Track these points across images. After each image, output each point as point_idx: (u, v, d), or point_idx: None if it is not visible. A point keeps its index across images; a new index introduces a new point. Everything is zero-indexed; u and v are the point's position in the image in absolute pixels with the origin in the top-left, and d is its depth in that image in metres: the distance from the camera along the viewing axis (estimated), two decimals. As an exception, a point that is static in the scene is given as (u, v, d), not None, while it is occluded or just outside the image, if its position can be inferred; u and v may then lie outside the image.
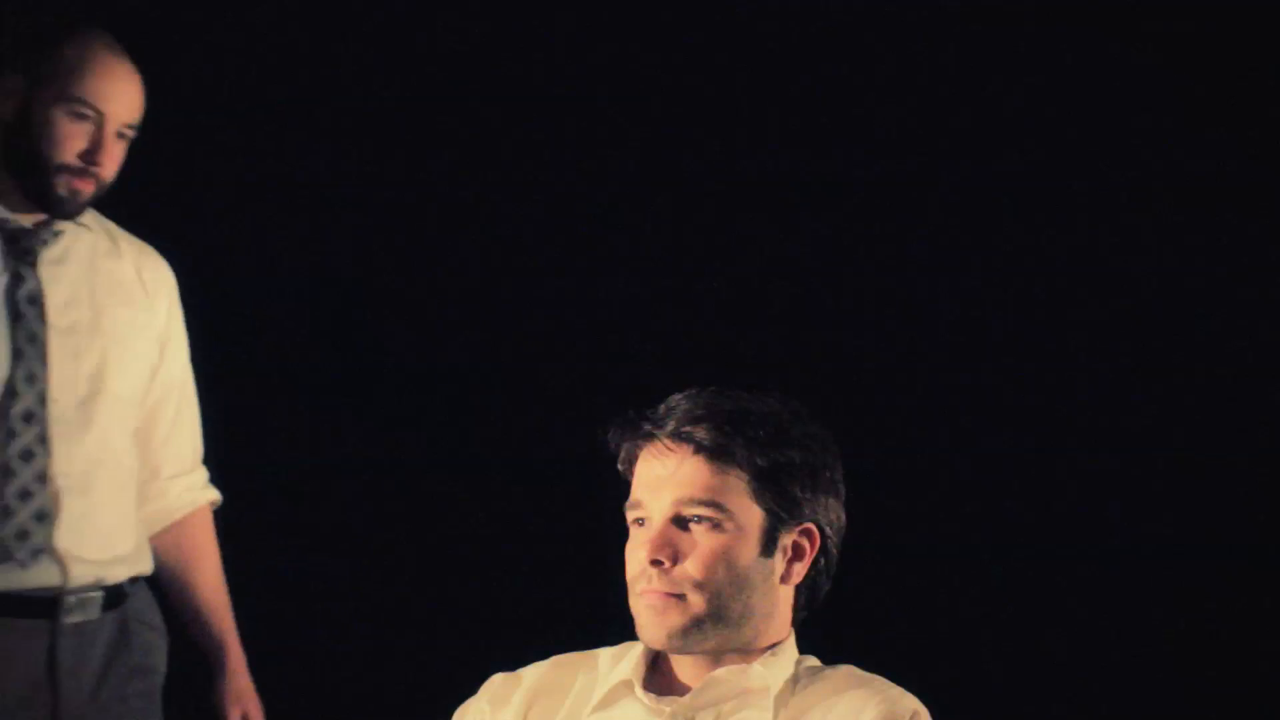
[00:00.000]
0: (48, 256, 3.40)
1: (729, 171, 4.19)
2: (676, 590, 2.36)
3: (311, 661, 4.12)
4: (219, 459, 4.10)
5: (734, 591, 2.37)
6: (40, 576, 3.35)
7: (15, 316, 3.37)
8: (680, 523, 2.37)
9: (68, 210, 3.39)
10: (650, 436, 2.39)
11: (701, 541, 2.36)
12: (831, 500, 2.42)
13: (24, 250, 3.39)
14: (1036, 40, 4.04)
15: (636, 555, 2.38)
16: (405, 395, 4.22)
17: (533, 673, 2.48)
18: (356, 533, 4.20)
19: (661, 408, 2.41)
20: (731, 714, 2.38)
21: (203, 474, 3.59)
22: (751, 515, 2.38)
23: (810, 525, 2.40)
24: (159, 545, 3.52)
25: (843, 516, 2.44)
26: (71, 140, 3.35)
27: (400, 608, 4.23)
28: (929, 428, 4.13)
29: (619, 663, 2.44)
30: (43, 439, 3.35)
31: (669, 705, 2.39)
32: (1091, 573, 4.06)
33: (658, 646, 2.39)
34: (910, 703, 2.35)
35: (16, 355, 3.36)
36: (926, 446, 4.13)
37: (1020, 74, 4.05)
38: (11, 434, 3.33)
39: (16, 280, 3.38)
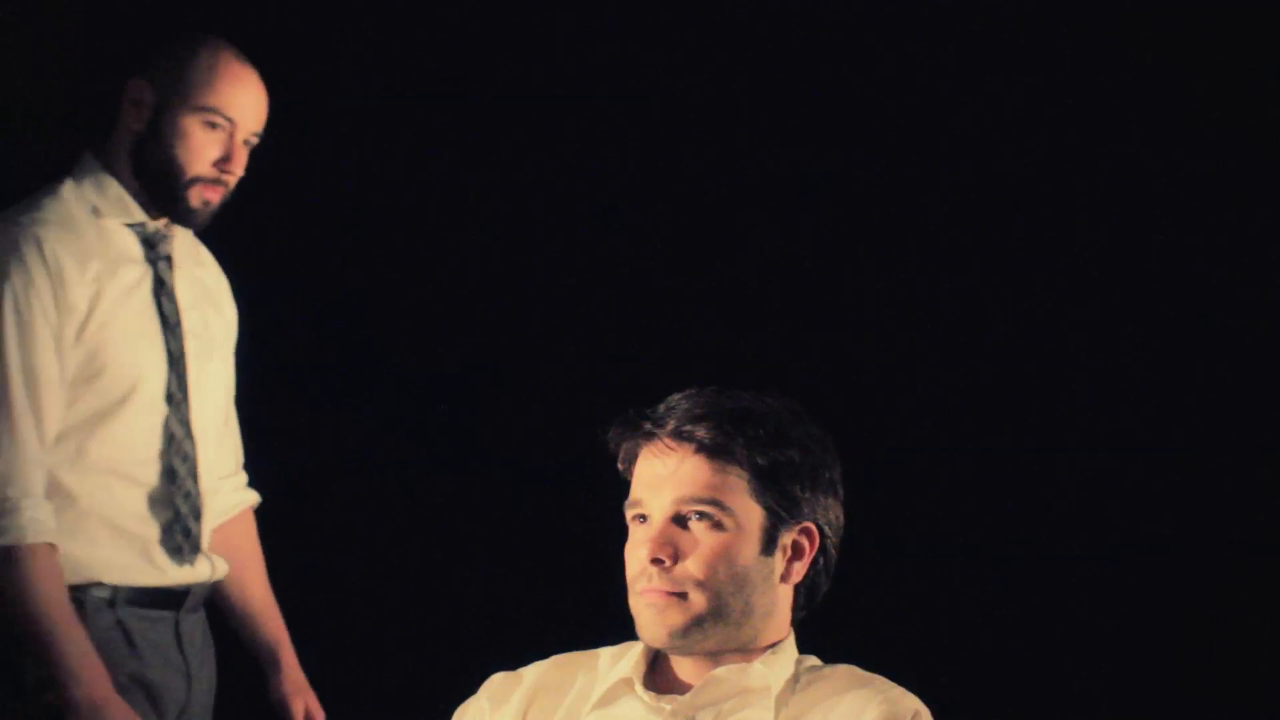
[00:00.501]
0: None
1: (729, 171, 4.20)
2: (677, 589, 2.36)
3: (312, 662, 4.12)
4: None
5: (734, 590, 2.37)
6: (198, 572, 3.42)
7: (164, 321, 3.40)
8: (680, 521, 2.38)
9: (197, 220, 3.41)
10: (650, 436, 2.40)
11: (702, 540, 2.37)
12: (831, 500, 2.43)
13: (160, 255, 3.41)
14: (1036, 40, 4.04)
15: (637, 554, 2.39)
16: (405, 395, 4.22)
17: (533, 671, 2.48)
18: (356, 533, 4.20)
19: (661, 407, 2.41)
20: (732, 713, 2.38)
21: (244, 476, 3.61)
22: (752, 514, 2.38)
23: (810, 524, 2.41)
24: (214, 546, 3.54)
25: (842, 516, 2.45)
26: (205, 150, 3.37)
27: (400, 608, 4.23)
28: (929, 428, 4.13)
29: (619, 661, 2.44)
30: (191, 440, 3.40)
31: (669, 704, 2.39)
32: (1091, 572, 4.06)
33: (658, 645, 2.39)
34: (911, 702, 2.36)
35: (171, 360, 3.38)
36: (926, 446, 4.13)
37: (1020, 74, 4.05)
38: (171, 437, 3.38)
39: (159, 285, 3.40)
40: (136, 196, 3.39)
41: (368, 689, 4.14)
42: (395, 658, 4.19)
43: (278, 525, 4.14)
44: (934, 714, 2.36)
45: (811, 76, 4.11)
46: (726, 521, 2.37)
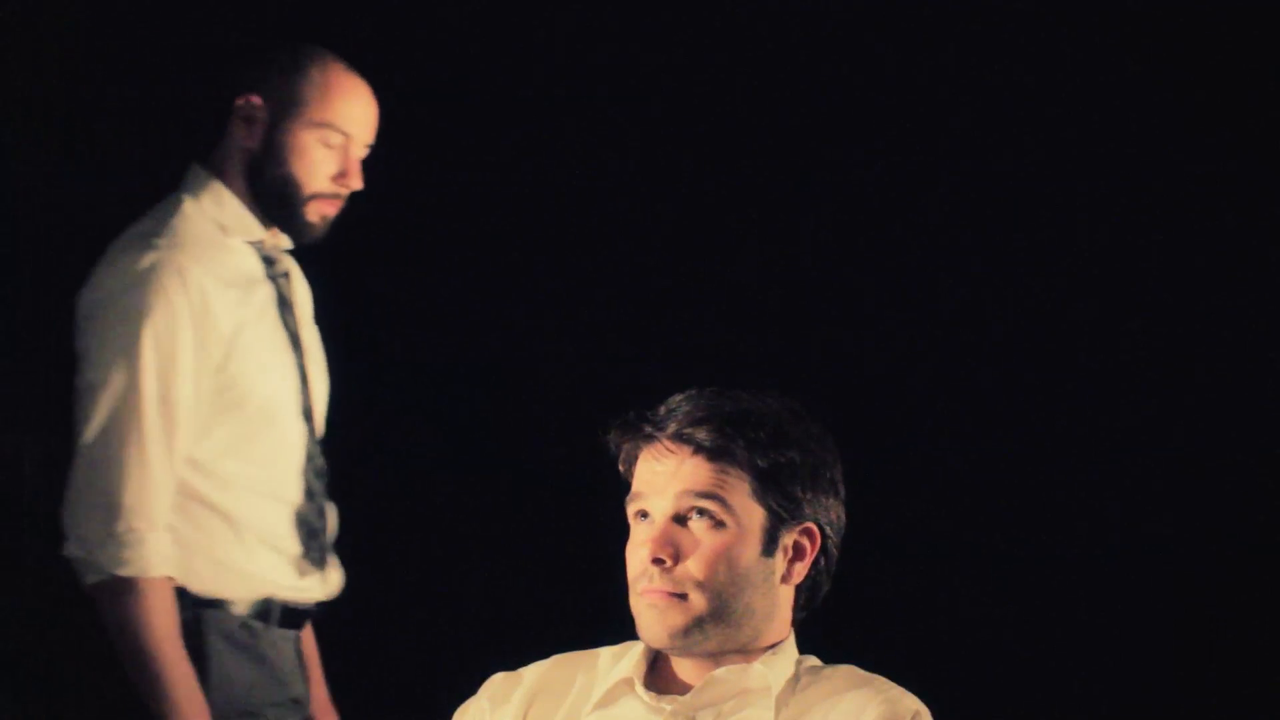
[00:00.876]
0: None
1: (729, 171, 4.20)
2: (678, 590, 2.36)
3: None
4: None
5: (735, 591, 2.37)
6: (329, 588, 3.43)
7: (291, 339, 3.38)
8: (681, 521, 2.38)
9: (313, 234, 3.38)
10: (650, 438, 2.39)
11: (703, 540, 2.37)
12: (831, 500, 2.43)
13: (278, 271, 3.38)
14: (1036, 39, 4.04)
15: (638, 554, 2.39)
16: (406, 395, 4.22)
17: (533, 672, 2.48)
18: (357, 532, 4.20)
19: (661, 409, 2.41)
20: (732, 713, 2.38)
21: None
22: (753, 515, 2.38)
23: (811, 525, 2.41)
24: None
25: (843, 515, 2.44)
26: (322, 165, 3.33)
27: (401, 607, 4.23)
28: (929, 427, 4.13)
29: (619, 662, 2.44)
30: (321, 456, 3.40)
31: (669, 704, 2.39)
32: (1092, 572, 4.06)
33: (659, 646, 2.39)
34: (911, 703, 2.35)
35: (301, 378, 3.37)
36: (926, 446, 4.13)
37: (1020, 73, 4.05)
38: (309, 455, 3.37)
39: (282, 302, 3.38)
40: (252, 211, 3.35)
41: (368, 689, 4.14)
42: (395, 658, 4.18)
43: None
44: (934, 714, 2.36)
45: (811, 76, 4.11)
46: (727, 520, 2.37)
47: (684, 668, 2.42)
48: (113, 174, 4.07)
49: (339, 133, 3.33)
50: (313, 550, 3.37)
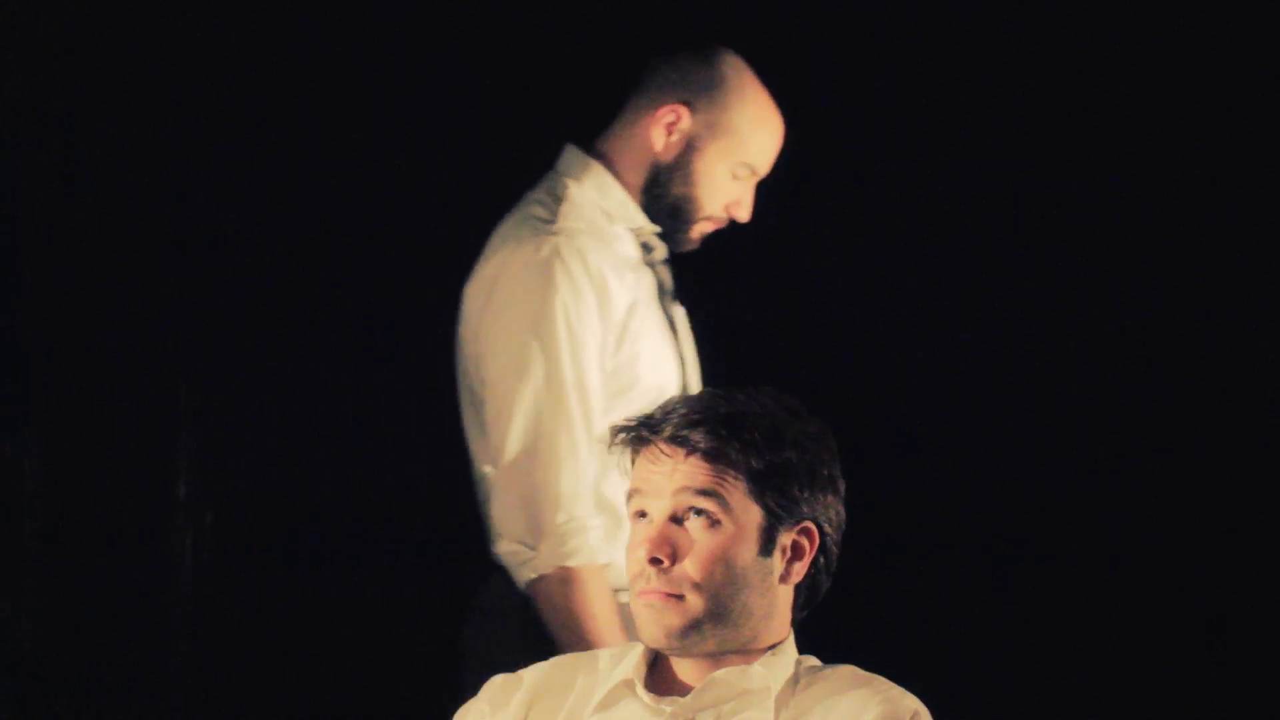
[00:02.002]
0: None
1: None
2: (676, 590, 2.36)
3: (312, 662, 4.12)
4: (220, 459, 4.11)
5: (732, 592, 2.37)
6: None
7: (672, 326, 3.32)
8: (679, 521, 2.38)
9: (689, 247, 3.33)
10: (646, 441, 2.39)
11: (700, 540, 2.36)
12: (830, 498, 2.42)
13: (657, 259, 3.33)
14: (1035, 39, 4.04)
15: (635, 554, 2.39)
16: (406, 394, 4.22)
17: (533, 674, 2.48)
18: (357, 532, 4.20)
19: (658, 411, 2.41)
20: (732, 714, 2.38)
21: None
22: (750, 515, 2.38)
23: (809, 524, 2.41)
24: None
25: (842, 512, 2.44)
26: (724, 194, 3.28)
27: (401, 607, 4.22)
28: (928, 426, 4.13)
29: (619, 663, 2.44)
30: None
31: (670, 705, 2.39)
32: (1092, 572, 4.06)
33: (657, 647, 2.39)
34: (910, 703, 2.35)
35: (681, 366, 3.31)
36: (926, 446, 4.13)
37: (1020, 72, 4.05)
38: None
39: (662, 290, 3.32)
40: (636, 202, 3.29)
41: (368, 689, 4.14)
42: (395, 658, 4.18)
43: (278, 526, 4.15)
44: (934, 714, 2.35)
45: (811, 75, 4.10)
46: (725, 520, 2.37)
47: (684, 669, 2.42)
48: (111, 170, 4.07)
49: (751, 169, 3.27)
50: None
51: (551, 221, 3.21)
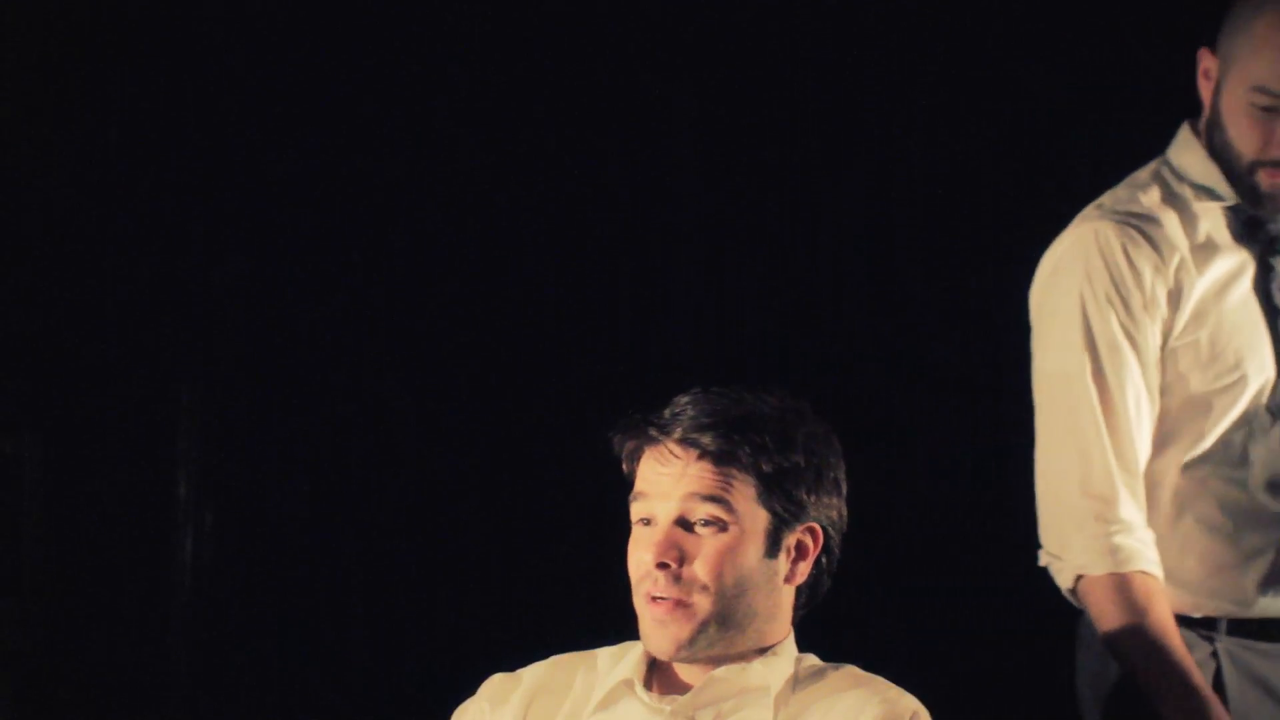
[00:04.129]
0: None
1: (729, 170, 4.19)
2: (683, 595, 2.36)
3: (313, 662, 4.12)
4: (220, 459, 4.10)
5: (738, 593, 2.37)
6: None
7: (1273, 313, 3.04)
8: (685, 525, 2.37)
9: (1271, 206, 3.03)
10: (655, 441, 2.39)
11: (707, 543, 2.36)
12: (834, 499, 2.43)
13: (1261, 239, 3.06)
14: (1035, 38, 4.04)
15: (641, 556, 2.38)
16: (406, 394, 4.22)
17: (532, 673, 2.48)
18: (357, 532, 4.20)
19: (666, 411, 2.40)
20: (732, 713, 2.38)
21: None
22: (757, 517, 2.38)
23: (814, 525, 2.41)
24: None
25: (844, 512, 2.44)
26: (1253, 134, 3.01)
27: (401, 607, 4.22)
28: (928, 426, 4.13)
29: (619, 662, 2.44)
30: None
31: (669, 704, 2.39)
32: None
33: (664, 658, 2.40)
34: (910, 703, 2.36)
35: (1278, 356, 3.05)
36: (926, 445, 4.13)
37: (1021, 72, 4.05)
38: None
39: (1266, 272, 3.05)
40: (1221, 171, 3.06)
41: (368, 689, 4.14)
42: (395, 659, 4.19)
43: (278, 526, 4.15)
44: (933, 714, 2.35)
45: (810, 74, 4.11)
46: (731, 523, 2.37)
47: (684, 668, 2.42)
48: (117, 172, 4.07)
49: (1266, 95, 2.98)
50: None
51: (1113, 205, 3.06)
